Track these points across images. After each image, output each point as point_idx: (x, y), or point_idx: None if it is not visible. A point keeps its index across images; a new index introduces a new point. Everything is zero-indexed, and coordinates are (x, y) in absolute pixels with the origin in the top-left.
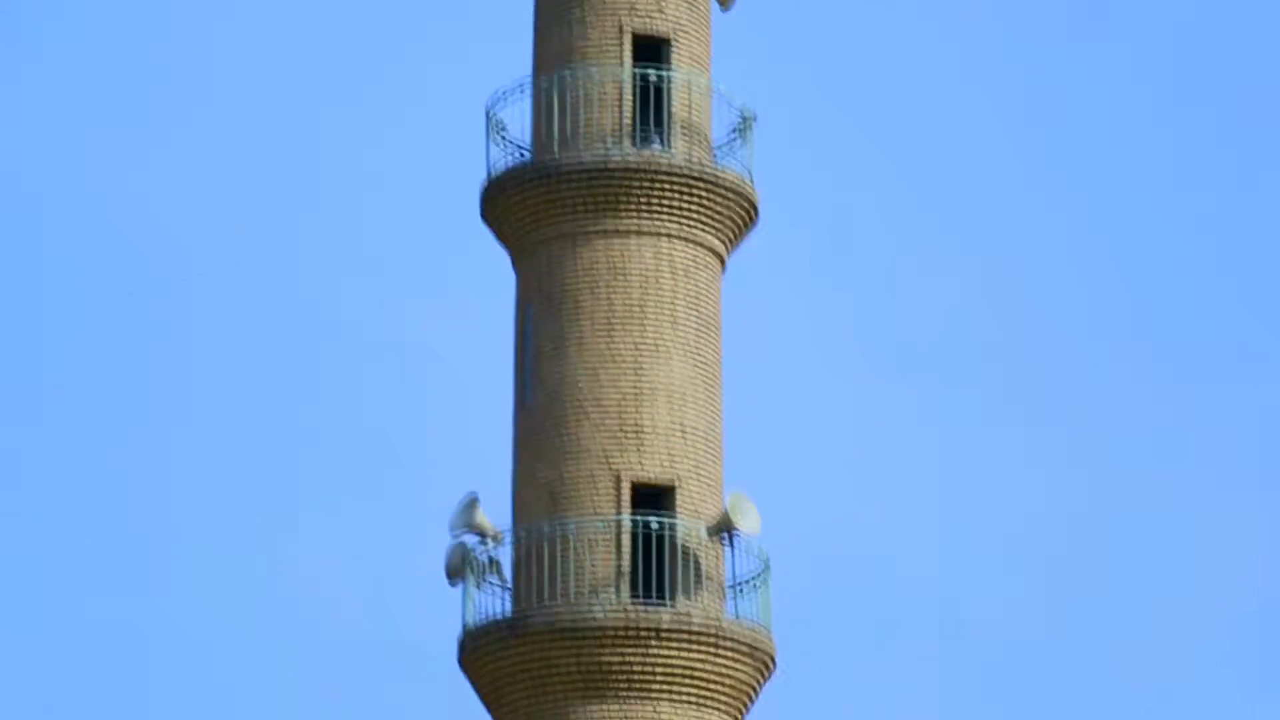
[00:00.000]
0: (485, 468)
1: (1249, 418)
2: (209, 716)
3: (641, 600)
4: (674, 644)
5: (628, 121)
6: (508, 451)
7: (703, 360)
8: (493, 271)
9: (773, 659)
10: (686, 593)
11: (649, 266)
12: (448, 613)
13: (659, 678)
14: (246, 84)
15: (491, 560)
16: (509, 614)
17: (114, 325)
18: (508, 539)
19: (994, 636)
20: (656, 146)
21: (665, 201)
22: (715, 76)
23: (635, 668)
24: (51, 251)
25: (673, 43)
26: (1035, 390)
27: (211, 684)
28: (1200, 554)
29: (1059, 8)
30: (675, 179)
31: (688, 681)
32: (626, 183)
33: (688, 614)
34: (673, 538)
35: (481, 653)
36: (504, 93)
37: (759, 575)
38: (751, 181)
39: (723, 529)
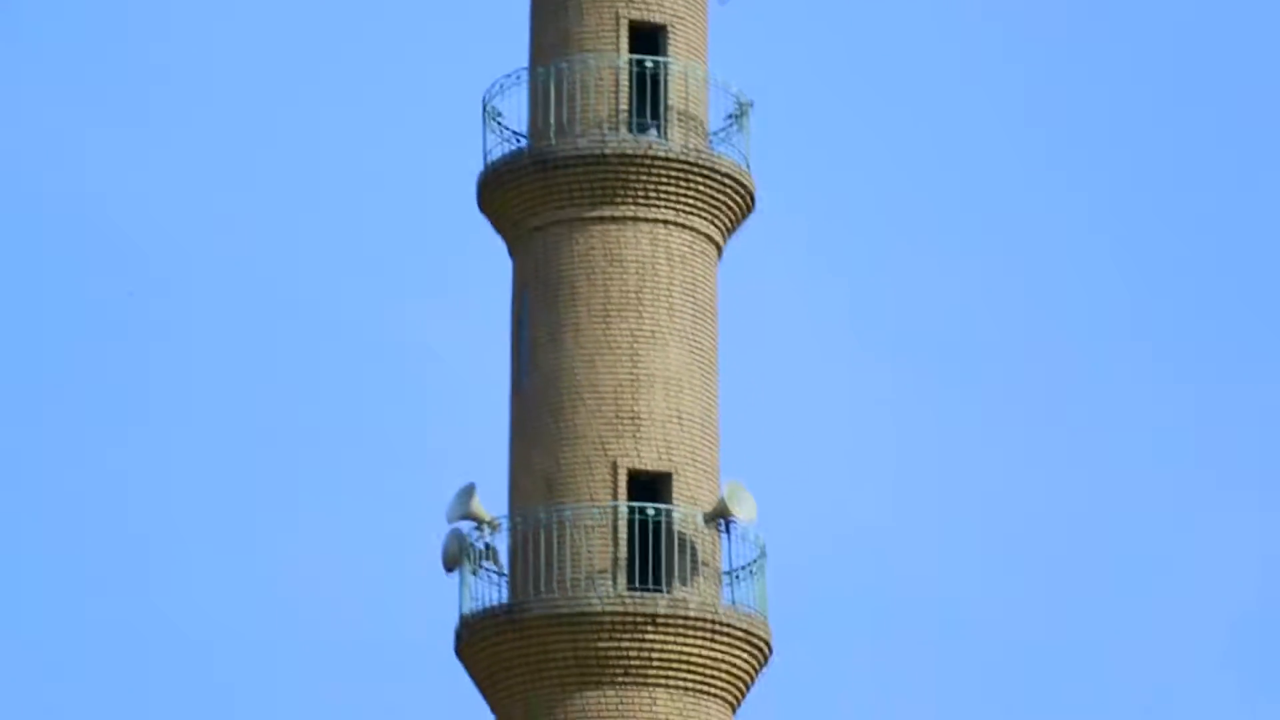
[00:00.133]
0: (482, 456)
1: (1249, 416)
2: (206, 705)
3: (638, 588)
4: (670, 632)
5: (624, 110)
6: (504, 439)
7: (699, 348)
8: (489, 260)
9: (769, 646)
10: (683, 581)
11: (645, 254)
12: (444, 601)
13: (655, 665)
14: (243, 76)
15: (488, 548)
16: (506, 602)
17: (112, 323)
18: (504, 527)
19: (990, 625)
20: (653, 135)
21: (662, 189)
22: (712, 65)
23: (631, 655)
24: (51, 250)
25: (669, 31)
26: (1032, 380)
27: (208, 671)
28: (1199, 552)
29: None
30: (672, 166)
31: (684, 669)
32: (623, 170)
33: (684, 602)
34: (669, 525)
35: (478, 641)
36: (501, 82)
37: (755, 563)
38: (748, 169)
39: (719, 517)
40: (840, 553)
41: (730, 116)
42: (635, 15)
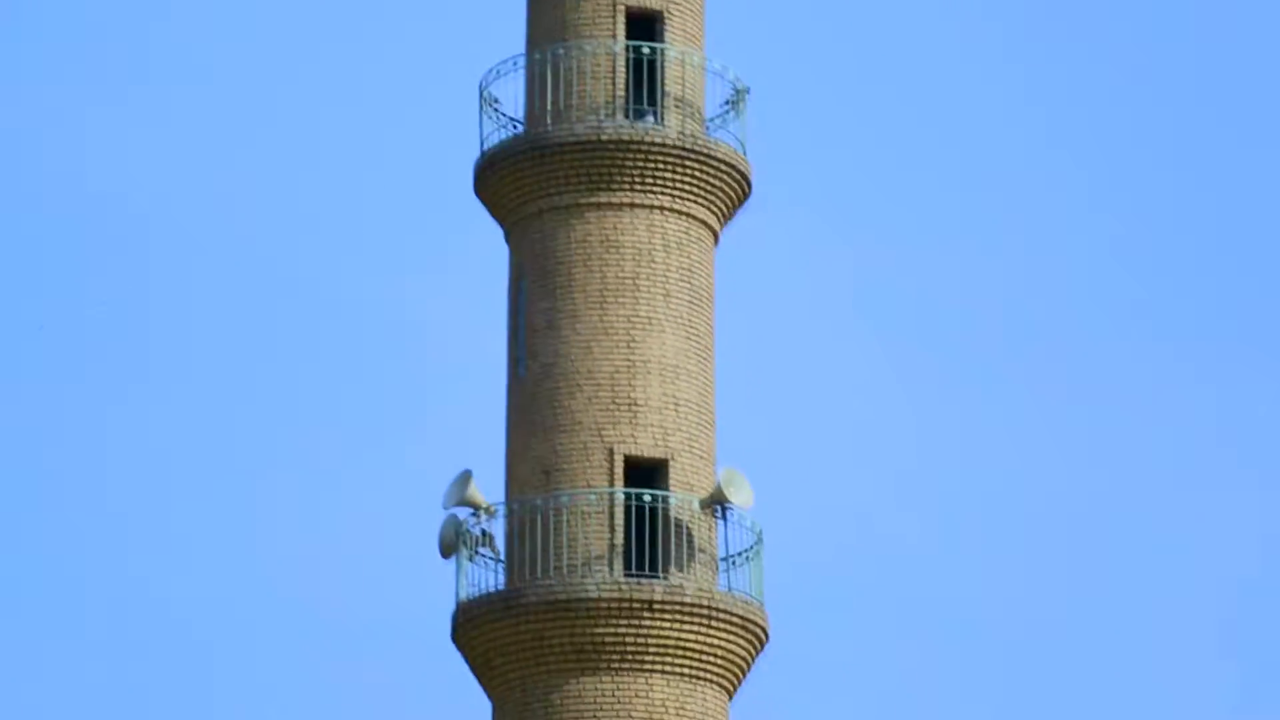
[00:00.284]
0: (478, 442)
1: (1259, 403)
2: (201, 691)
3: (634, 574)
4: (667, 618)
5: (621, 96)
6: (501, 425)
7: (696, 334)
8: (486, 247)
9: (765, 632)
10: (679, 566)
11: (642, 240)
12: (441, 587)
13: (652, 651)
14: (242, 59)
15: (485, 534)
16: (502, 588)
17: (109, 303)
18: (501, 513)
19: (987, 610)
20: (649, 121)
21: (658, 175)
22: (708, 51)
23: (628, 641)
24: (49, 227)
25: (666, 17)
26: (1032, 364)
27: (202, 657)
28: (1199, 538)
29: None
30: (668, 153)
31: (680, 655)
32: (619, 157)
33: (681, 588)
34: (666, 511)
35: (474, 627)
36: (498, 68)
37: (752, 549)
38: (744, 155)
39: (716, 502)
40: (837, 539)
41: (727, 103)
42: (632, 1)
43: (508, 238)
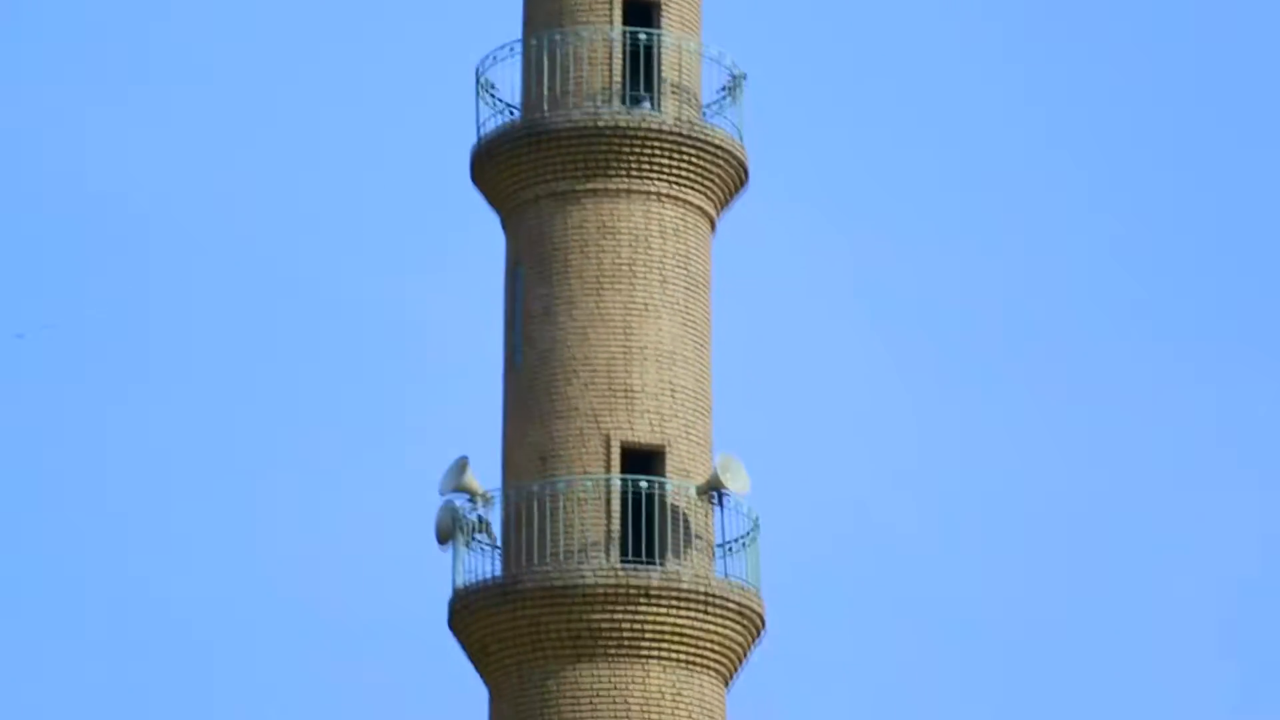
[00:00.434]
0: (475, 429)
1: (1258, 401)
2: (198, 682)
3: (631, 561)
4: (663, 605)
5: (617, 82)
6: (497, 412)
7: (692, 321)
8: (483, 234)
9: (762, 619)
10: (676, 554)
11: (638, 227)
12: (437, 574)
13: (648, 638)
14: (238, 51)
15: (481, 521)
16: (499, 575)
17: (108, 299)
18: (497, 500)
19: (982, 597)
20: (646, 107)
21: (655, 162)
22: (705, 38)
23: (625, 629)
24: (49, 223)
25: (662, 4)
26: (1031, 357)
27: (199, 647)
28: (1198, 535)
29: None
30: (665, 139)
31: (677, 642)
32: (616, 143)
33: (677, 575)
34: (662, 498)
35: (471, 614)
36: (494, 54)
37: (748, 536)
38: (741, 141)
39: (712, 489)
40: (834, 526)
41: (723, 89)
42: None
43: (504, 224)
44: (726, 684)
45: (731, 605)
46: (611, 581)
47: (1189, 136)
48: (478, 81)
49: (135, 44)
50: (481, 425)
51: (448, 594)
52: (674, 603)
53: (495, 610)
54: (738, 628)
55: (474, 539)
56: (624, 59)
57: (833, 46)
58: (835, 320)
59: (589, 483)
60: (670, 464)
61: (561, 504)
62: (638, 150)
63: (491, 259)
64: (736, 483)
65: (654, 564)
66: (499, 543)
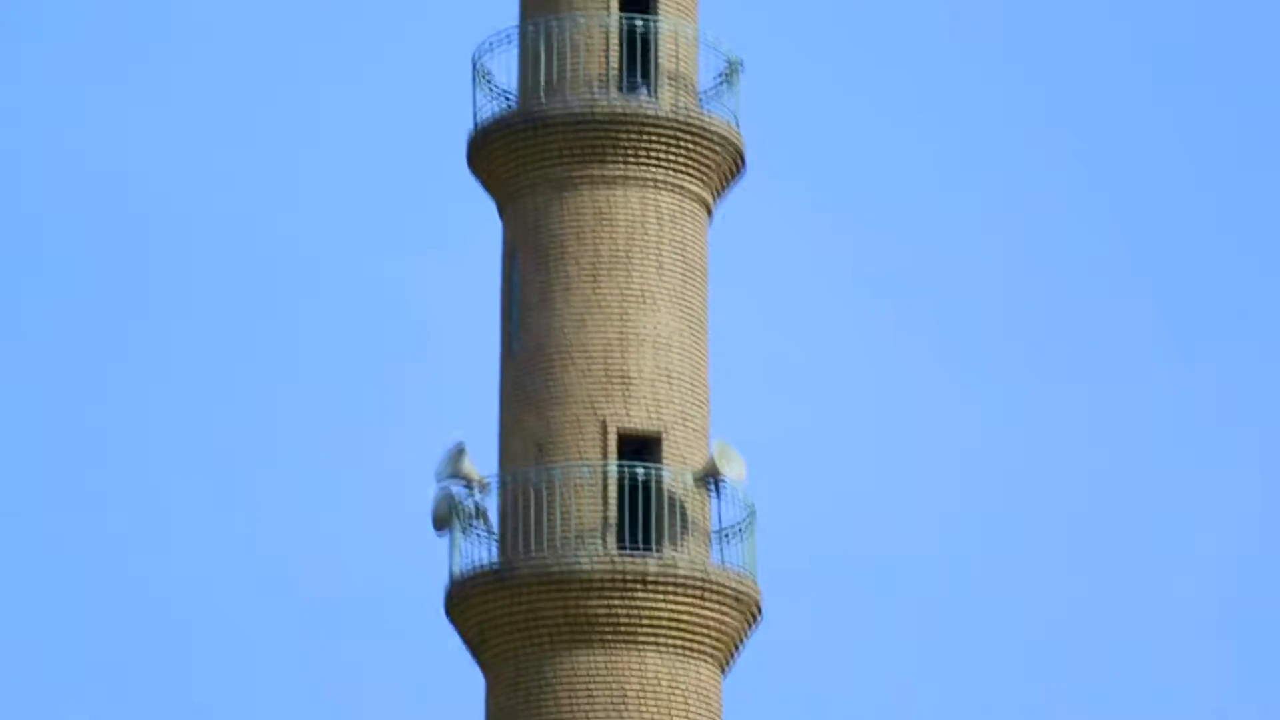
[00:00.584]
0: (472, 416)
1: (1260, 387)
2: (194, 667)
3: (627, 548)
4: (660, 592)
5: (614, 69)
6: (494, 399)
7: (689, 308)
8: (480, 221)
9: (758, 607)
10: (673, 541)
11: (635, 214)
12: (434, 561)
13: (645, 626)
14: (236, 35)
15: (478, 508)
16: (495, 562)
17: (103, 278)
18: (494, 487)
19: (979, 583)
20: (643, 94)
21: (651, 149)
22: (702, 25)
23: (621, 616)
24: (45, 204)
25: None
26: (1028, 343)
27: (195, 631)
28: (1195, 520)
29: None
30: (661, 126)
31: (674, 630)
32: (613, 130)
33: (674, 562)
34: (659, 486)
35: (468, 601)
36: (491, 41)
37: (745, 523)
38: (738, 129)
39: (709, 477)
40: (830, 513)
41: (720, 76)
42: None
43: (501, 212)
44: (723, 671)
45: (728, 592)
46: (608, 568)
47: (1187, 116)
48: (474, 69)
49: (134, 27)
50: (478, 412)
51: (444, 581)
52: (670, 590)
53: (492, 597)
54: (734, 615)
55: (471, 526)
56: (620, 46)
57: (829, 33)
58: (832, 307)
59: (586, 470)
60: (667, 451)
61: (558, 491)
62: (634, 138)
63: (488, 246)
64: (733, 470)
65: (650, 551)
66: (496, 529)
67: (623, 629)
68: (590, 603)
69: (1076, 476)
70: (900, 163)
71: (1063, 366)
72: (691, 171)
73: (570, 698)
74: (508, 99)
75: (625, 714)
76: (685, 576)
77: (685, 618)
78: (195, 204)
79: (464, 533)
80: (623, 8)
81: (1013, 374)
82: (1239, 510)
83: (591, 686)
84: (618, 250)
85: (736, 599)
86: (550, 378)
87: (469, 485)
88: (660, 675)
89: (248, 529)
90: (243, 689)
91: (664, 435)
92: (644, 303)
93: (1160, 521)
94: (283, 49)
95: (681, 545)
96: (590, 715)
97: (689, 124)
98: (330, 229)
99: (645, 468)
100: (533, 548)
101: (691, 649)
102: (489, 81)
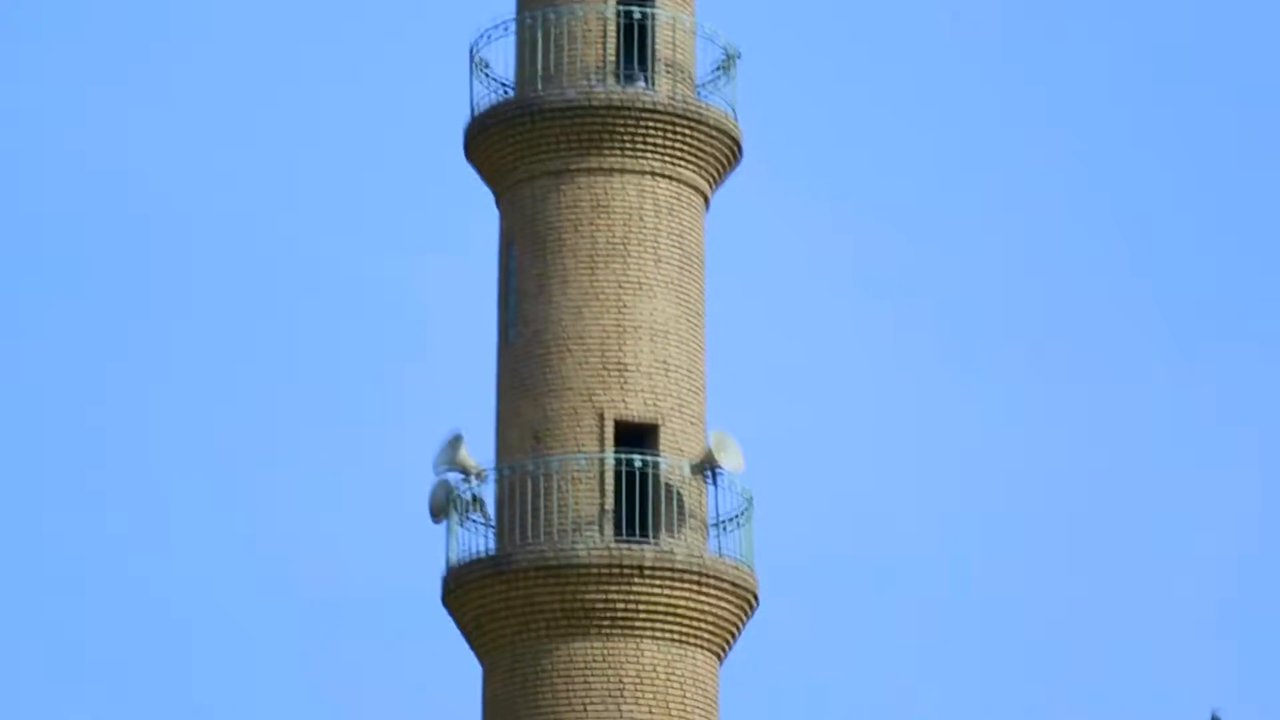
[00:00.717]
0: (469, 406)
1: (1260, 384)
2: (191, 657)
3: (624, 538)
4: (657, 582)
5: (611, 59)
6: (491, 389)
7: (686, 297)
8: (477, 211)
9: (755, 597)
10: (670, 530)
11: (632, 204)
12: (431, 551)
13: (642, 615)
14: (234, 29)
15: (475, 498)
16: (492, 552)
17: (102, 275)
18: (491, 477)
19: (975, 574)
20: (640, 85)
21: (649, 139)
22: (699, 15)
23: (618, 605)
24: (44, 201)
25: None
26: (1026, 334)
27: (192, 623)
28: (1194, 515)
29: None
30: (659, 116)
31: (671, 619)
32: (610, 120)
33: (671, 552)
34: (656, 475)
35: (465, 590)
36: (488, 31)
37: (742, 513)
38: (735, 119)
39: (706, 466)
40: (827, 503)
41: (717, 66)
42: None
43: (498, 202)
44: (720, 660)
45: (725, 582)
46: (605, 558)
47: (1188, 114)
48: (472, 59)
49: (131, 27)
50: (475, 402)
51: (442, 570)
52: (667, 579)
53: (489, 587)
54: (731, 604)
55: (468, 516)
56: (618, 36)
57: (826, 24)
58: (828, 296)
59: (583, 460)
60: (664, 441)
61: (555, 481)
62: (632, 127)
63: (486, 236)
64: (730, 460)
65: (648, 541)
66: (493, 519)
67: (620, 618)
68: (587, 592)
69: (1073, 469)
70: (897, 153)
71: (1059, 359)
72: (689, 161)
73: (567, 687)
74: (505, 89)
75: (622, 703)
76: (682, 566)
77: (682, 607)
78: (192, 198)
79: (461, 522)
80: None
81: (1010, 366)
82: (1239, 510)
83: (588, 676)
84: (615, 240)
85: (733, 588)
86: (547, 367)
87: (466, 475)
88: (657, 665)
89: (246, 521)
90: (240, 679)
91: (661, 425)
92: (641, 292)
93: (1159, 520)
94: (280, 41)
95: (678, 535)
96: (587, 704)
97: (686, 114)
98: (327, 220)
99: (642, 457)
100: (530, 537)
101: (688, 638)
102: (486, 72)
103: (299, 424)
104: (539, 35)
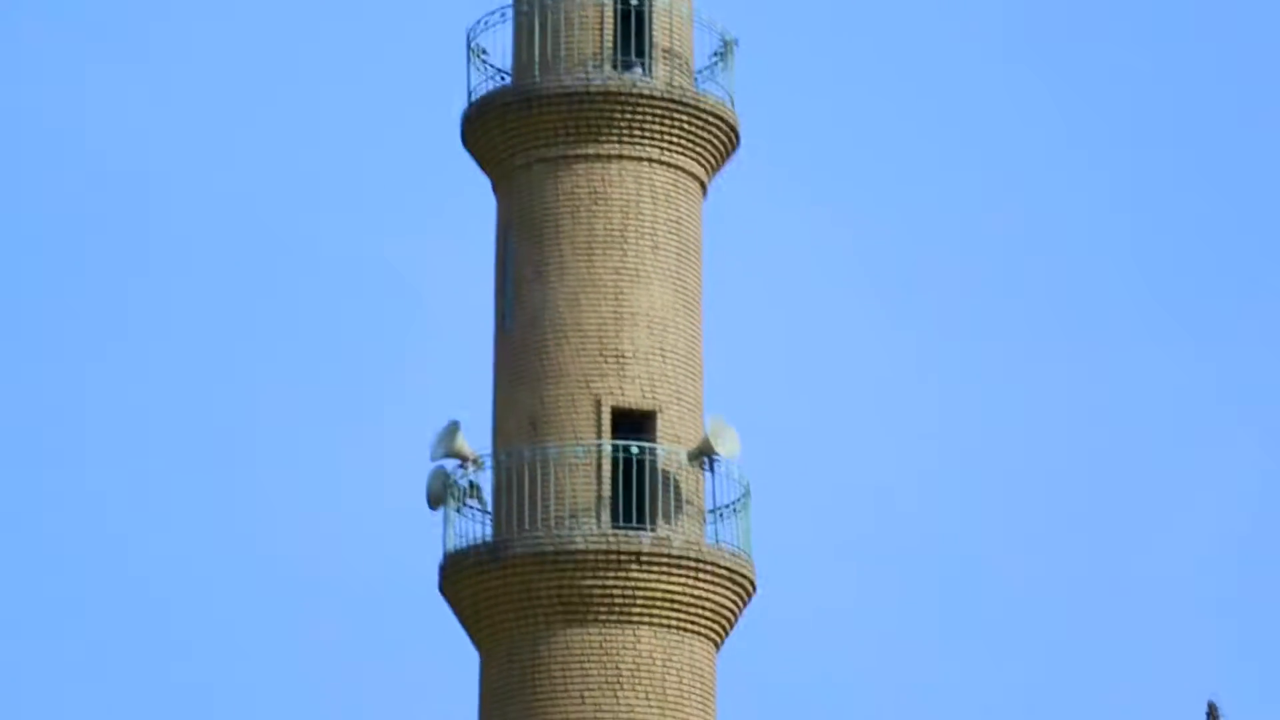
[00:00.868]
0: (466, 393)
1: (1260, 363)
2: (187, 645)
3: (622, 526)
4: (654, 569)
5: (609, 47)
6: (488, 377)
7: (683, 285)
8: (474, 198)
9: (752, 584)
10: (667, 518)
11: (630, 192)
12: (428, 538)
13: (639, 603)
14: (231, 13)
15: (472, 485)
16: (489, 540)
17: (99, 252)
18: (488, 465)
19: (975, 560)
20: (638, 72)
21: (646, 126)
22: (696, 3)
23: (615, 593)
24: (43, 176)
25: None
26: (1022, 316)
27: (188, 610)
28: (1194, 494)
29: None
30: (656, 104)
31: (668, 607)
32: (607, 108)
33: (668, 539)
34: (653, 463)
35: (462, 578)
36: (485, 19)
37: (739, 500)
38: (732, 106)
39: (703, 454)
40: (824, 490)
41: (715, 54)
42: None
43: (495, 189)
44: (717, 648)
45: (722, 570)
46: (602, 546)
47: (1188, 96)
48: (469, 46)
49: (130, 6)
50: (473, 390)
51: (439, 558)
52: (665, 567)
53: (486, 574)
54: (728, 592)
55: (465, 503)
56: (615, 24)
57: (824, 11)
58: (826, 284)
59: (580, 448)
60: (661, 429)
61: (552, 469)
62: (629, 115)
63: (483, 223)
64: (727, 447)
65: (645, 528)
66: (490, 507)
67: (617, 606)
68: (584, 580)
69: (1071, 456)
70: (894, 141)
71: (1057, 345)
72: (686, 149)
73: (564, 675)
74: (502, 76)
75: (619, 691)
76: (679, 554)
77: (679, 595)
78: (190, 185)
79: (458, 510)
80: None
81: (1005, 351)
82: (1242, 497)
83: (585, 664)
84: (612, 227)
85: (730, 576)
86: (544, 355)
87: (463, 463)
88: (654, 652)
89: (242, 508)
90: (236, 666)
91: (658, 413)
92: (638, 280)
93: (1157, 509)
94: (278, 27)
95: (676, 522)
96: (584, 692)
97: (684, 101)
98: (324, 207)
99: (639, 445)
100: (527, 525)
101: (685, 626)
102: (484, 59)
103: (296, 411)
104: (536, 22)
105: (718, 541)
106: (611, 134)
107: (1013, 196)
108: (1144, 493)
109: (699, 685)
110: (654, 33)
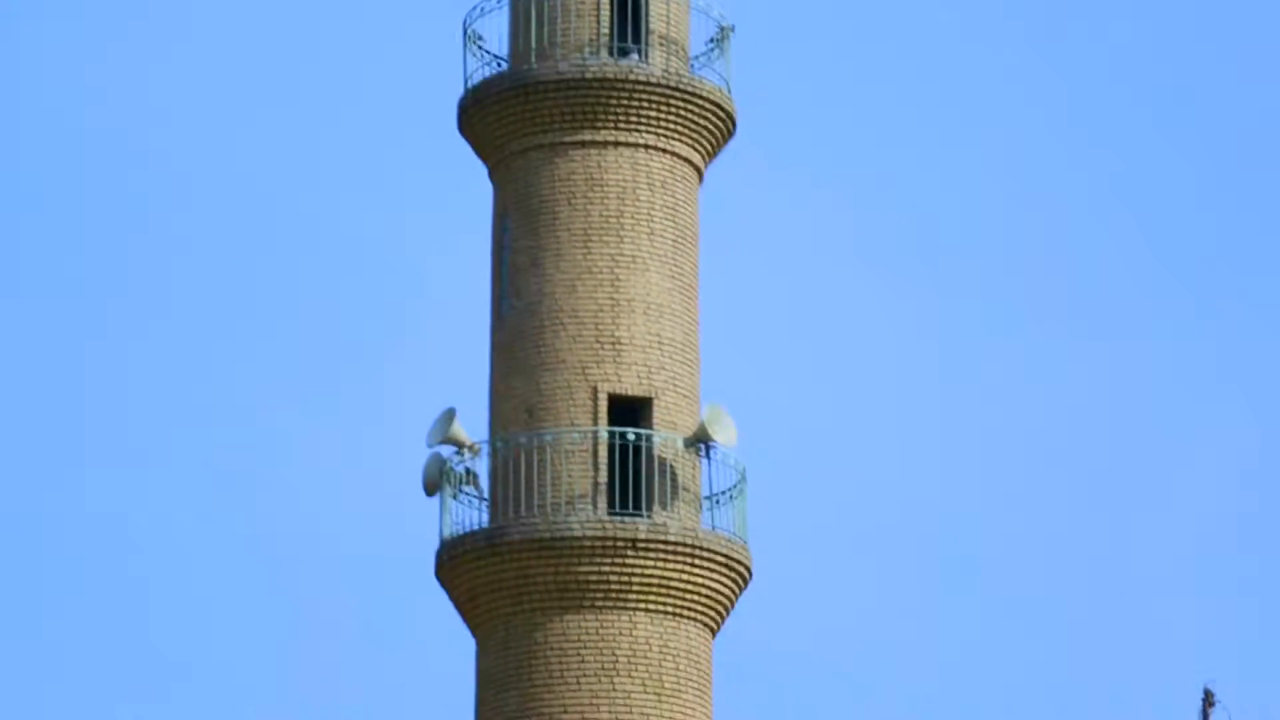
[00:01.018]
0: (463, 380)
1: (1259, 335)
2: (182, 632)
3: (618, 512)
4: (650, 556)
5: (605, 33)
6: (485, 364)
7: (680, 272)
8: (471, 185)
9: (748, 570)
10: (663, 505)
11: (626, 178)
12: (425, 525)
13: (635, 589)
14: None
15: (468, 472)
16: (486, 526)
17: (100, 232)
18: (485, 451)
19: (971, 546)
20: (634, 59)
21: (642, 113)
22: None
23: (612, 580)
24: (45, 152)
25: None
26: (1016, 298)
27: (184, 595)
28: (1192, 464)
29: None
30: (653, 91)
31: (664, 593)
32: (604, 94)
33: (664, 526)
34: (649, 450)
35: (458, 564)
36: (482, 5)
37: (735, 487)
38: (729, 93)
39: (699, 441)
40: (821, 477)
41: (711, 40)
42: None
43: (492, 176)
44: (713, 634)
45: (718, 556)
46: (599, 533)
47: (1186, 63)
48: (465, 33)
49: None
50: (469, 376)
51: (435, 544)
52: (661, 554)
53: (482, 561)
54: (724, 579)
55: (461, 490)
56: (611, 10)
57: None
58: (823, 271)
59: (576, 434)
60: (657, 416)
61: (549, 455)
62: (625, 102)
63: (479, 210)
64: (724, 434)
65: (641, 515)
66: (486, 494)
67: (613, 593)
68: (581, 566)
69: (1068, 441)
70: (891, 127)
71: (1057, 330)
72: (683, 135)
73: (561, 661)
74: (499, 63)
75: (615, 677)
76: (675, 540)
77: (676, 581)
78: (188, 170)
79: (454, 496)
80: None
81: (1004, 338)
82: (1238, 483)
83: (582, 650)
84: (609, 214)
85: (726, 562)
86: (541, 342)
87: (459, 449)
88: (651, 639)
89: (237, 492)
90: (232, 652)
91: (655, 399)
92: (635, 267)
93: (1153, 498)
94: (275, 11)
95: (672, 509)
96: (581, 679)
97: (680, 88)
98: (321, 194)
99: (636, 432)
100: (523, 512)
101: (682, 612)
102: (480, 46)
103: (293, 397)
104: (532, 9)
105: (714, 528)
106: (608, 120)
107: (1011, 180)
108: (1140, 477)
109: (695, 672)
110: (650, 19)
